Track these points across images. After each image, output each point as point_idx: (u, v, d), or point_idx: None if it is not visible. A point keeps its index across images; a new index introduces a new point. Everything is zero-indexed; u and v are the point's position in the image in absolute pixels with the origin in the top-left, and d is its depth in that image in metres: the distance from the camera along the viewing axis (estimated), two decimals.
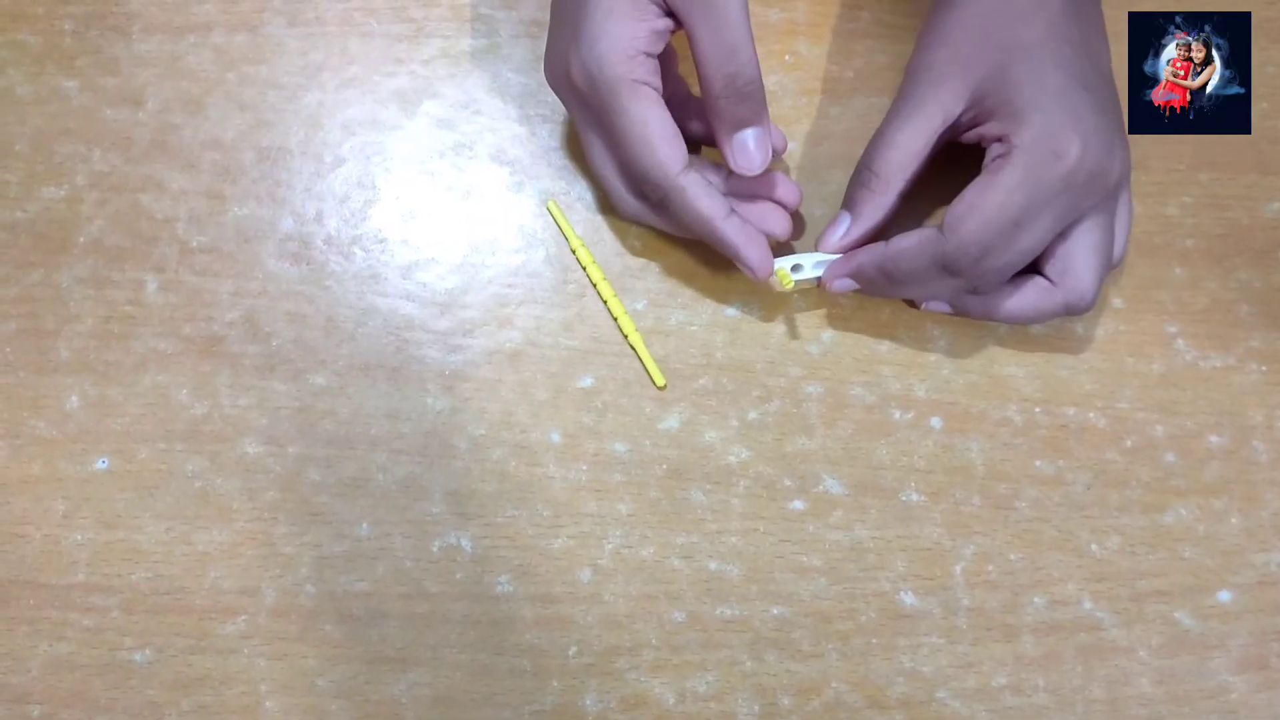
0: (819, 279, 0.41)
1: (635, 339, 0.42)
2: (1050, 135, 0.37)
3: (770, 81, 0.45)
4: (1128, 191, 0.41)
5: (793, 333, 0.43)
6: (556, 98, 0.41)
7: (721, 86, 0.37)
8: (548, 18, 0.42)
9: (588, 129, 0.40)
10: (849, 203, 0.41)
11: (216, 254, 0.43)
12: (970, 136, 0.40)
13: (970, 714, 0.39)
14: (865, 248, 0.40)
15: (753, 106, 0.38)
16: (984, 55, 0.39)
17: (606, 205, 0.44)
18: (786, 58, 0.46)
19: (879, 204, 0.40)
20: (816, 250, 0.41)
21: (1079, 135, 0.37)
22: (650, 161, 0.38)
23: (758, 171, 0.39)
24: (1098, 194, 0.38)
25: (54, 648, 0.40)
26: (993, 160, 0.38)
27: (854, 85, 0.45)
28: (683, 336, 0.43)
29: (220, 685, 0.39)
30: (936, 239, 0.38)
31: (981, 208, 0.37)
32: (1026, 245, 0.38)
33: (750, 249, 0.39)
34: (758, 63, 0.37)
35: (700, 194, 0.38)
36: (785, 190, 0.41)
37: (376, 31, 0.46)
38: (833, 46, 0.46)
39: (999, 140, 0.38)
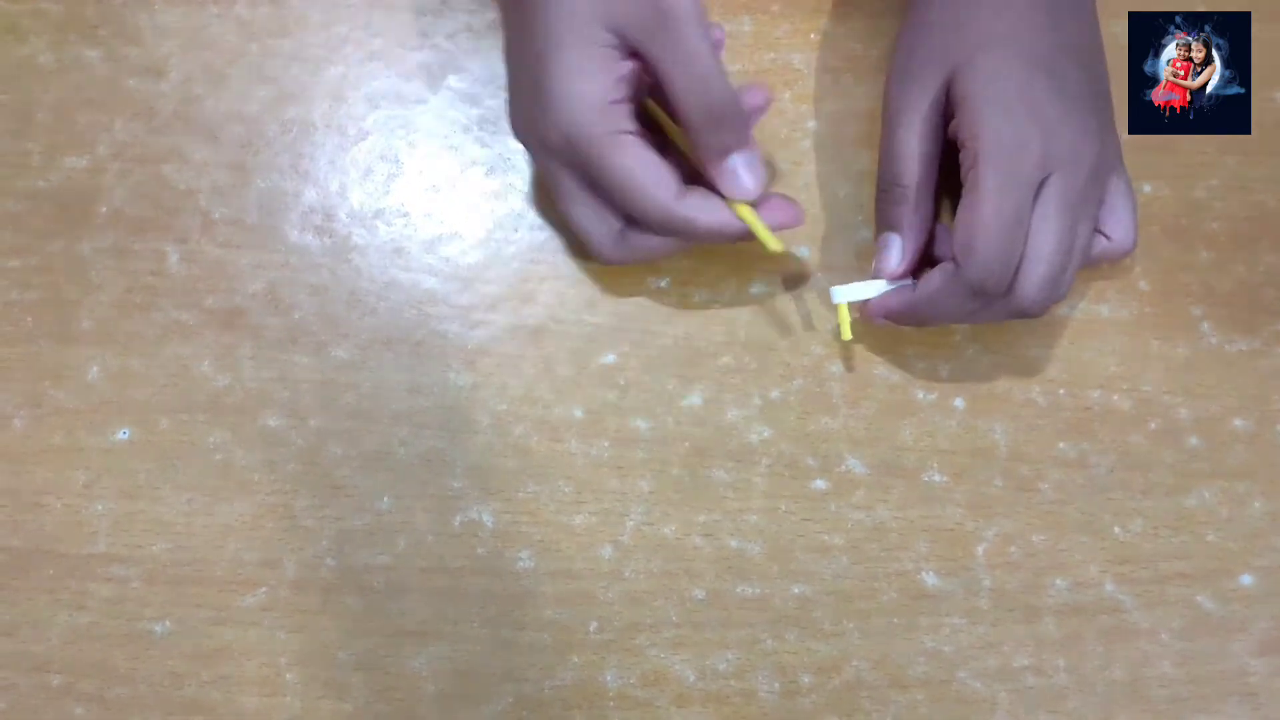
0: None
1: (743, 211, 0.39)
2: (1011, 131, 0.37)
3: (796, 59, 0.45)
4: (1123, 178, 0.40)
5: (817, 312, 0.42)
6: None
7: (700, 119, 0.37)
8: None
9: (564, 180, 0.39)
10: (890, 223, 0.41)
11: (239, 226, 0.43)
12: (949, 130, 0.39)
13: (991, 694, 0.39)
14: (895, 292, 0.40)
15: (735, 132, 0.37)
16: (956, 47, 0.39)
17: None
18: (812, 35, 0.45)
19: (920, 214, 0.40)
20: (873, 278, 0.41)
21: (1039, 127, 0.37)
22: (648, 205, 0.37)
23: (754, 196, 0.38)
24: (1086, 171, 0.37)
25: (74, 618, 0.40)
26: (966, 174, 0.38)
27: (879, 64, 0.45)
28: (706, 314, 0.42)
29: (241, 657, 0.39)
30: (956, 273, 0.38)
31: (979, 222, 0.37)
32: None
33: (771, 220, 0.39)
34: (732, 88, 0.37)
35: (702, 212, 0.38)
36: (785, 214, 0.39)
37: (400, 4, 0.46)
38: (858, 25, 0.45)
39: (964, 146, 0.38)
